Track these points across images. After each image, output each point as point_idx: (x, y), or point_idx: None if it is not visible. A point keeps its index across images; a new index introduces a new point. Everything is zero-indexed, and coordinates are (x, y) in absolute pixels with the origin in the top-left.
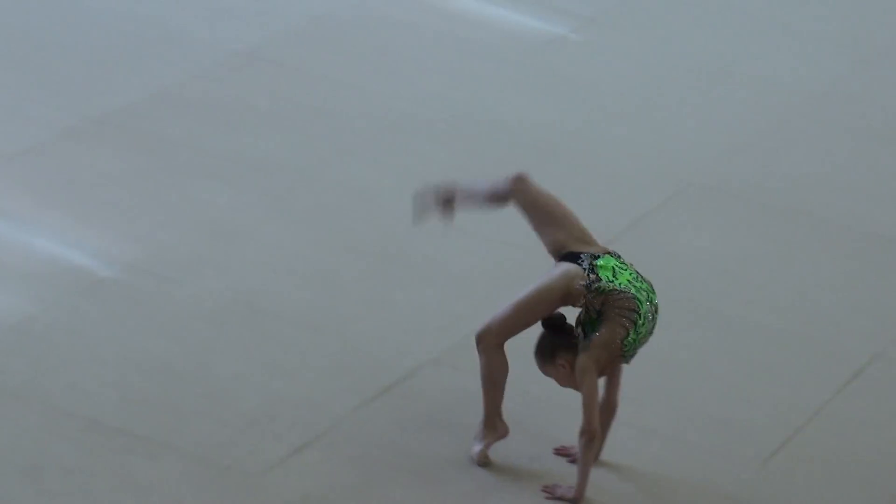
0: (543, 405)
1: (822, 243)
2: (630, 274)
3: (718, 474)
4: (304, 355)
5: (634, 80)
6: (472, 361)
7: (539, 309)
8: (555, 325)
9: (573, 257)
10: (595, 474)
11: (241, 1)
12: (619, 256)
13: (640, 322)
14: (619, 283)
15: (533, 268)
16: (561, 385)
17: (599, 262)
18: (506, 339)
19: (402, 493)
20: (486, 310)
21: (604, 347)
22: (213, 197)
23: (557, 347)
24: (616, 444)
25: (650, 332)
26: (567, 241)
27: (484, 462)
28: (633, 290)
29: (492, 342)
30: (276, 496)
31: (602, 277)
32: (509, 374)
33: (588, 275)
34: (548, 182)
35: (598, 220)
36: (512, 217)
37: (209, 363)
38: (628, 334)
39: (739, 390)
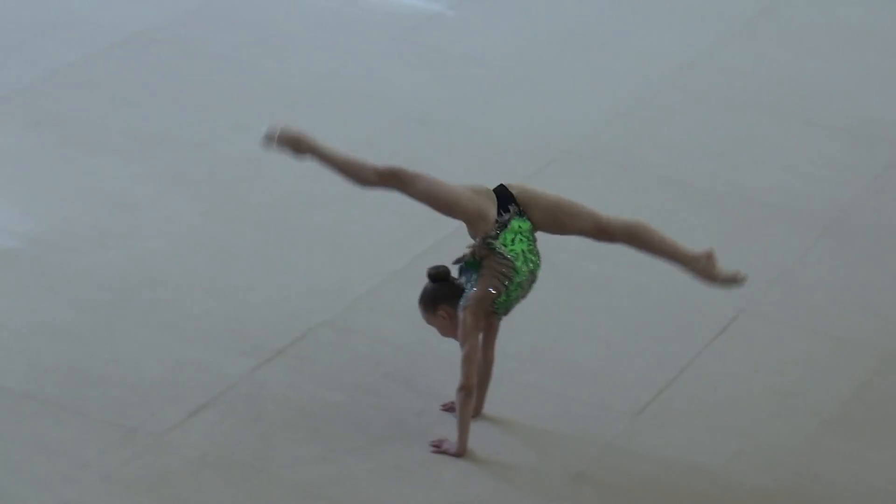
0: (430, 362)
1: (692, 207)
2: (526, 245)
3: (597, 425)
4: (203, 321)
5: (510, 54)
6: (363, 323)
7: (448, 200)
8: (439, 277)
9: (505, 202)
10: (479, 428)
11: None
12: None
13: (513, 287)
14: (510, 250)
15: (415, 233)
16: (442, 335)
17: (514, 223)
18: (395, 185)
19: (297, 449)
20: (374, 274)
21: (479, 303)
22: (113, 171)
23: (440, 298)
24: (499, 400)
25: (523, 296)
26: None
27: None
28: (518, 262)
29: (388, 178)
30: (177, 455)
31: (500, 237)
32: (402, 337)
33: (495, 227)
34: (429, 151)
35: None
36: None
37: (113, 330)
38: (499, 295)
39: (616, 347)
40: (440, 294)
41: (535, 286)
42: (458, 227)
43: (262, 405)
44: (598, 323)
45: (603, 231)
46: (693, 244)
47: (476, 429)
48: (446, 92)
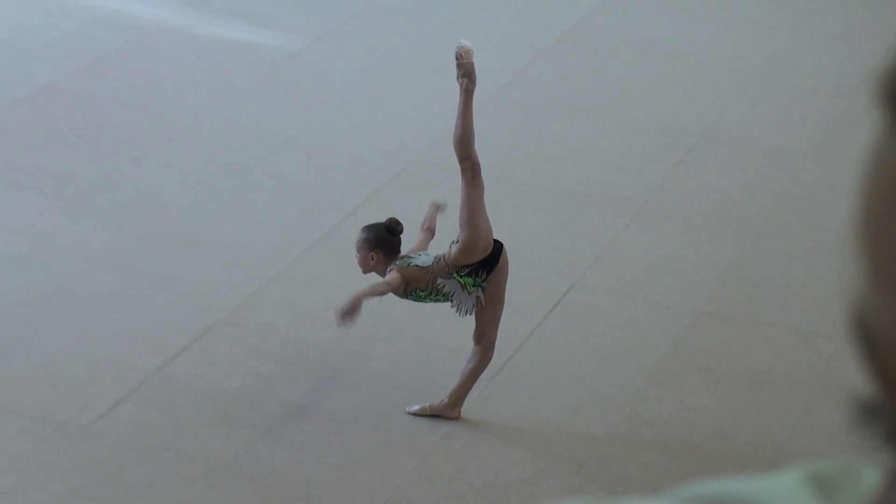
0: (314, 348)
1: (520, 201)
2: (471, 283)
3: (447, 389)
4: (115, 327)
5: (362, 84)
6: (253, 319)
7: (477, 214)
8: (392, 230)
9: (491, 261)
10: (353, 399)
11: (35, 44)
12: None
13: (433, 297)
14: (460, 280)
15: (290, 241)
16: (362, 270)
17: (476, 280)
18: (472, 171)
19: (205, 430)
20: (259, 276)
21: (406, 277)
22: (27, 205)
23: (382, 245)
24: (372, 376)
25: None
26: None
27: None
28: (450, 293)
29: (474, 164)
30: (103, 442)
31: (464, 275)
32: (289, 328)
33: (467, 269)
34: (292, 170)
35: (339, 197)
36: (282, 198)
37: (37, 340)
38: (422, 291)
39: (469, 324)
40: (385, 242)
41: None
42: (325, 235)
43: (172, 395)
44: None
45: (480, 339)
46: (524, 234)
47: (352, 400)
48: (306, 119)
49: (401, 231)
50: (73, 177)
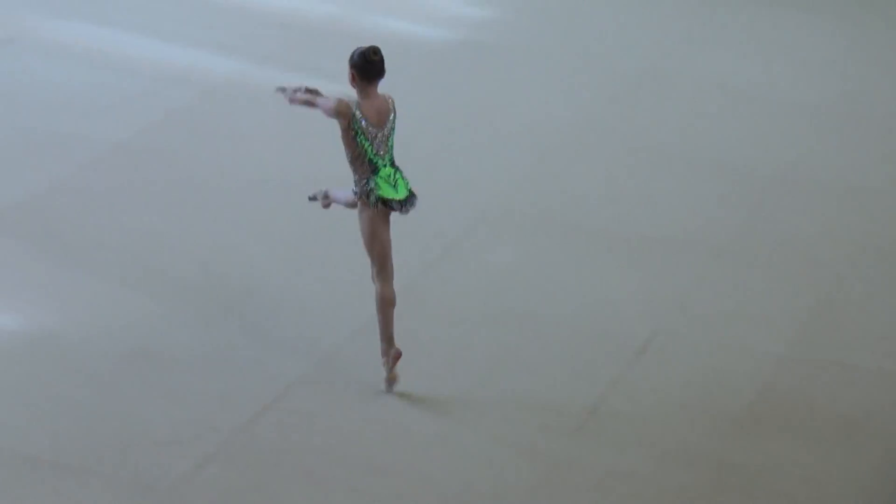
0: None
1: (602, 247)
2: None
3: (540, 445)
4: (196, 385)
5: (432, 137)
6: (334, 375)
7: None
8: (368, 56)
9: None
10: (436, 455)
11: (106, 102)
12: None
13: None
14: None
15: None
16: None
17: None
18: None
19: (289, 489)
20: (340, 333)
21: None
22: (103, 266)
23: (357, 66)
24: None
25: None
26: None
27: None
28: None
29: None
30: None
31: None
32: None
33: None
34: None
35: (416, 249)
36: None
37: (120, 401)
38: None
39: (546, 372)
40: (360, 64)
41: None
42: (403, 288)
43: (255, 454)
44: (525, 352)
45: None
46: (604, 281)
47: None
48: None
49: (375, 59)
50: (147, 235)
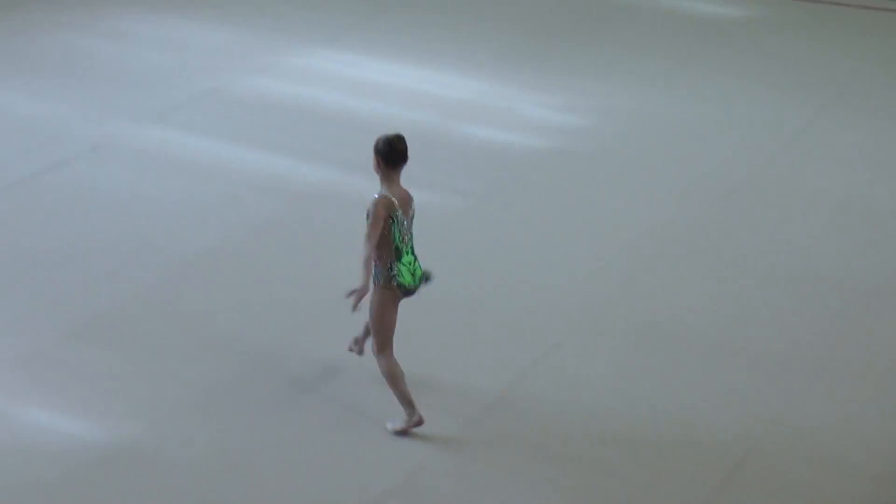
0: None
1: (692, 359)
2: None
3: None
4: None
5: (525, 243)
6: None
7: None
8: (392, 145)
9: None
10: None
11: (197, 209)
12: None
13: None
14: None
15: (460, 413)
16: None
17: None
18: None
19: None
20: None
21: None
22: (194, 373)
23: (381, 152)
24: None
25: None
26: None
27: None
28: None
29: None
30: None
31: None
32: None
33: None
34: (455, 335)
35: (504, 359)
36: (447, 366)
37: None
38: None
39: (640, 489)
40: (385, 152)
41: None
42: (491, 403)
43: None
44: (623, 468)
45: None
46: (695, 394)
47: None
48: (468, 276)
49: (400, 147)
50: (236, 342)
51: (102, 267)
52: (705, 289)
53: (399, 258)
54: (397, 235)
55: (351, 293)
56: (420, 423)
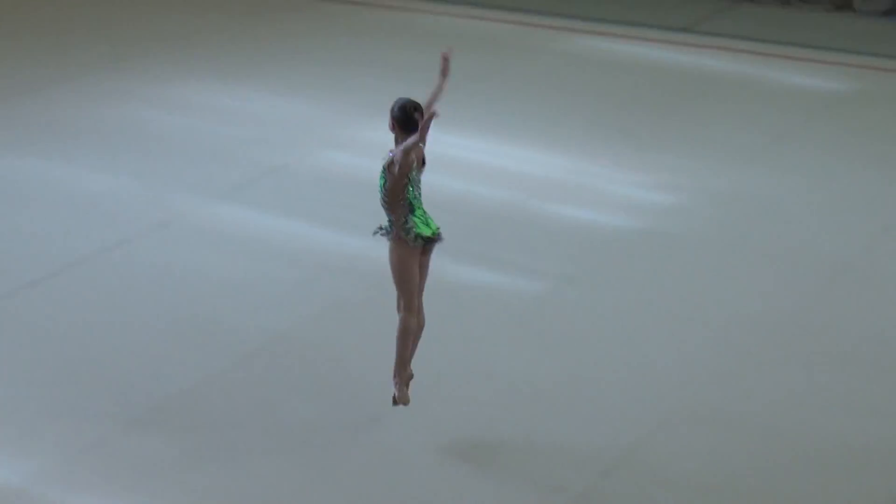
0: None
1: (797, 457)
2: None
3: None
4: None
5: (612, 329)
6: None
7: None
8: (407, 109)
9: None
10: None
11: (269, 292)
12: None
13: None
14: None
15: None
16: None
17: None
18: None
19: None
20: None
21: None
22: (262, 466)
23: (397, 117)
24: None
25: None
26: None
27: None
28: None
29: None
30: None
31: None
32: None
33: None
34: (542, 425)
35: (592, 451)
36: (533, 456)
37: None
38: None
39: None
40: (400, 117)
41: None
42: (580, 494)
43: None
44: None
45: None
46: (804, 494)
47: None
48: (555, 367)
49: (414, 114)
50: (308, 430)
51: (168, 350)
52: (802, 380)
53: (412, 212)
54: (411, 192)
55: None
56: (410, 377)
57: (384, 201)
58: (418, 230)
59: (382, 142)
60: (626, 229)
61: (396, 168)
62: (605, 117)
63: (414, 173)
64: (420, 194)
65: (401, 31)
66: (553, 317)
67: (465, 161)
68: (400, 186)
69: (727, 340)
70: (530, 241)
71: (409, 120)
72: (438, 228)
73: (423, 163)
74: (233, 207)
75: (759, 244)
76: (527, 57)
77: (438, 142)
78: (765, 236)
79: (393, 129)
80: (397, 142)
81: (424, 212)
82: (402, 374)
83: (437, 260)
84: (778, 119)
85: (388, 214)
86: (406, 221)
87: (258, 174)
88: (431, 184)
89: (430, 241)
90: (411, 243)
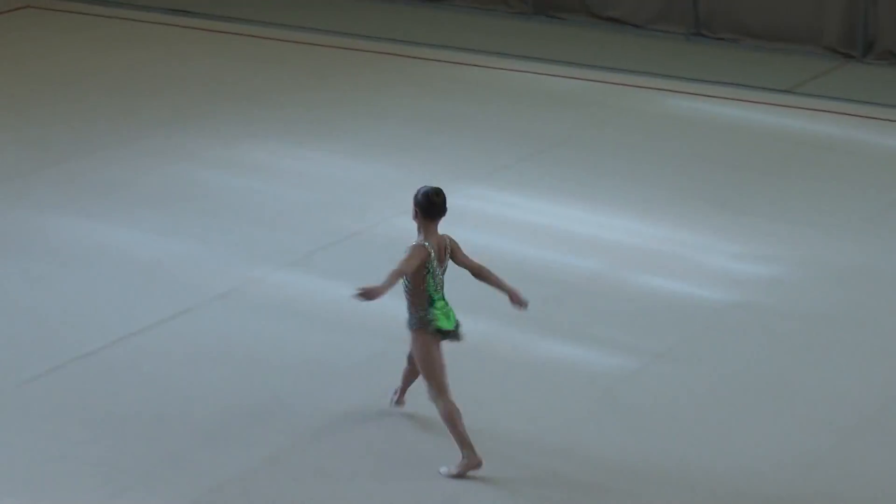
0: None
1: None
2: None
3: None
4: None
5: (705, 408)
6: None
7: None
8: (430, 199)
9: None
10: None
11: (341, 365)
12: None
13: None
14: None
15: None
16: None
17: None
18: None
19: None
20: None
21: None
22: None
23: (421, 204)
24: None
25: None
26: None
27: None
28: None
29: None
30: None
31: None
32: None
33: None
34: (630, 500)
35: None
36: None
37: None
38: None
39: None
40: (424, 204)
41: None
42: None
43: None
44: None
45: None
46: None
47: None
48: (644, 449)
49: (438, 200)
50: None
51: (231, 428)
52: None
53: (432, 304)
54: (431, 284)
55: (362, 289)
56: (479, 464)
57: (405, 290)
58: (439, 324)
59: (461, 207)
60: (722, 302)
61: (404, 258)
62: (701, 183)
63: (434, 265)
64: (441, 287)
65: (483, 88)
66: (642, 393)
67: (552, 229)
68: (416, 279)
69: (832, 424)
70: (619, 313)
71: (431, 206)
72: (458, 322)
73: (448, 255)
74: (301, 276)
75: (868, 320)
76: (617, 118)
77: (523, 208)
78: (873, 312)
79: (415, 217)
80: (419, 232)
81: (446, 303)
82: (473, 457)
83: (522, 332)
84: (889, 186)
85: (409, 303)
86: (427, 314)
87: (328, 241)
88: (516, 252)
89: (448, 335)
90: (430, 334)
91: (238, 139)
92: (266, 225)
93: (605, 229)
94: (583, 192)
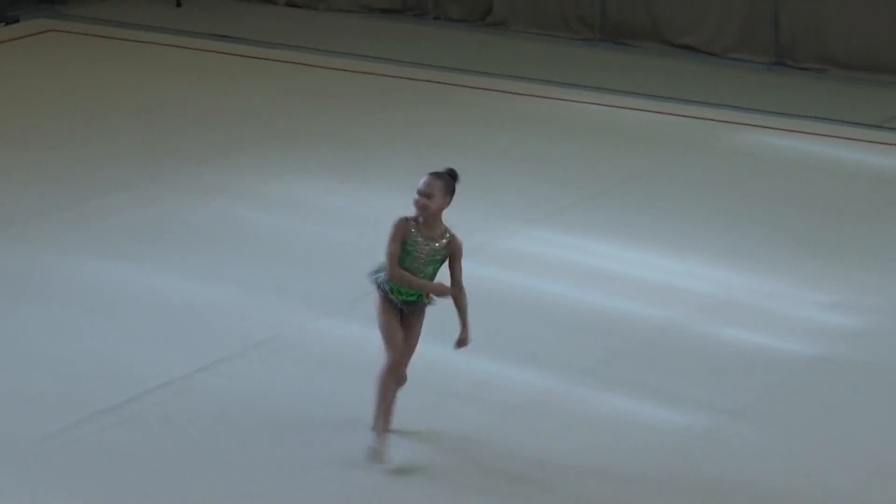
0: None
1: None
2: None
3: None
4: None
5: (786, 468)
6: None
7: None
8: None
9: None
10: None
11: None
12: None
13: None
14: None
15: None
16: (428, 210)
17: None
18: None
19: None
20: None
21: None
22: None
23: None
24: None
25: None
26: None
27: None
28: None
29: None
30: None
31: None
32: None
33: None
34: None
35: None
36: None
37: None
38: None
39: None
40: (455, 184)
41: None
42: None
43: None
44: None
45: None
46: None
47: None
48: None
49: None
50: None
51: (265, 485)
52: None
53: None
54: (407, 262)
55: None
56: (378, 456)
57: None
58: (390, 293)
59: (518, 250)
60: (806, 356)
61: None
62: (784, 225)
63: (417, 246)
64: (421, 275)
65: (545, 121)
66: (717, 455)
67: (620, 275)
68: (391, 255)
69: None
70: (693, 367)
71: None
72: (419, 299)
73: (448, 258)
74: (345, 323)
75: None
76: (692, 154)
77: (589, 252)
78: None
79: (443, 207)
80: (438, 216)
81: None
82: (380, 424)
83: (582, 388)
84: None
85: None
86: (384, 277)
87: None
88: (579, 301)
89: (397, 302)
90: (387, 293)
91: (279, 175)
92: (307, 267)
93: (677, 275)
94: (652, 236)
